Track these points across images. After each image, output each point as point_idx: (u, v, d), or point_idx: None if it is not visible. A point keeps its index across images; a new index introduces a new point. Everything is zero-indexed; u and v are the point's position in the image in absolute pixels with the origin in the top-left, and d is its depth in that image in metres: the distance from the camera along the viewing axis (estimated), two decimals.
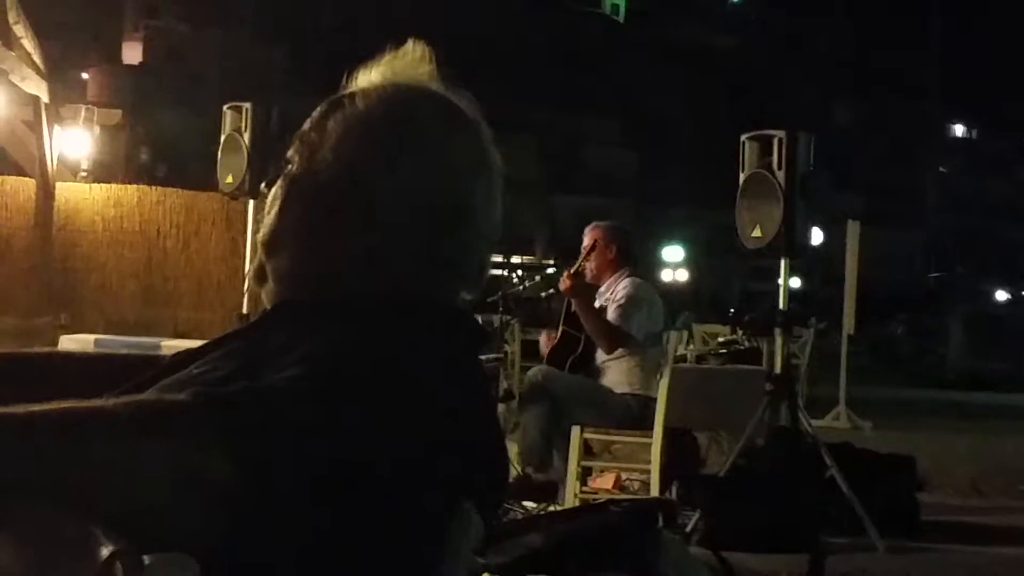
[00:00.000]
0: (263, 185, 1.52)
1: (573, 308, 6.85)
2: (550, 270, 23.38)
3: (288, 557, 1.20)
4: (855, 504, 6.03)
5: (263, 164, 7.29)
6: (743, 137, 6.46)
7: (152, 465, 1.13)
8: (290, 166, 1.47)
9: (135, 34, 41.38)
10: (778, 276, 6.58)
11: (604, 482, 7.01)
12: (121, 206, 14.36)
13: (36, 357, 1.95)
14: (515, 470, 6.34)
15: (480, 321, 1.59)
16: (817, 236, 10.65)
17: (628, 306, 6.68)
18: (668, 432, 6.37)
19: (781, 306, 6.52)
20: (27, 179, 14.24)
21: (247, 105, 7.60)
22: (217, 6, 39.31)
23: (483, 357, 2.06)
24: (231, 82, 26.60)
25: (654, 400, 6.47)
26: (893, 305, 29.96)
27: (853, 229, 13.43)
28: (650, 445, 6.40)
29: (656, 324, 6.88)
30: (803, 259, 6.55)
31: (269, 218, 1.48)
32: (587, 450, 6.70)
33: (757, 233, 6.31)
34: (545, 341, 7.16)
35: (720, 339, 9.57)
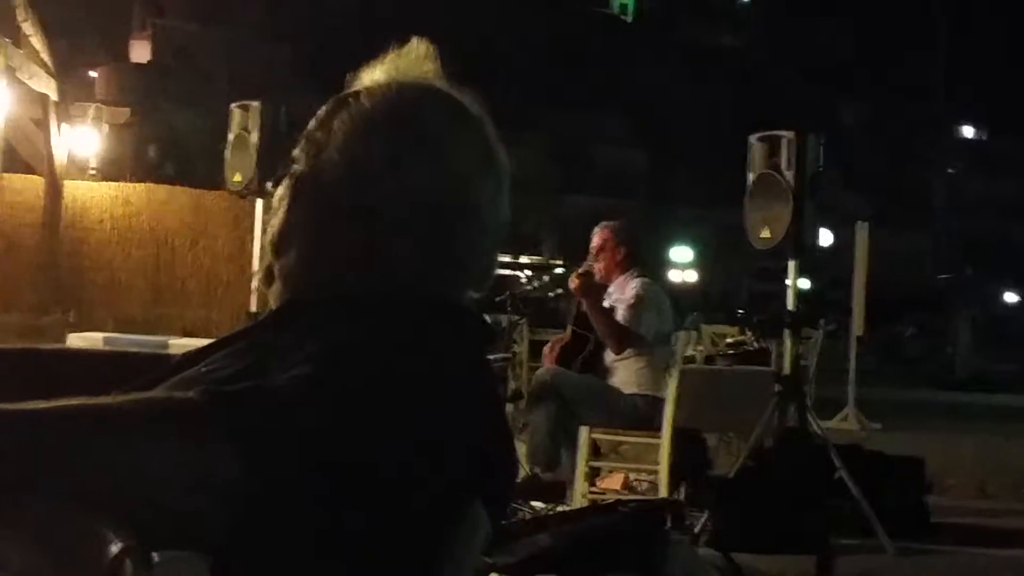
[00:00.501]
0: (270, 184, 1.51)
1: (582, 308, 6.85)
2: (558, 270, 23.35)
3: (295, 555, 1.19)
4: (864, 506, 6.02)
5: (271, 163, 7.29)
6: (752, 138, 6.45)
7: (160, 463, 1.13)
8: (296, 165, 1.47)
9: (143, 33, 41.40)
10: (787, 277, 6.58)
11: (612, 482, 7.00)
12: (129, 204, 14.38)
13: (45, 353, 1.95)
14: (523, 470, 6.33)
15: (488, 320, 1.58)
16: (826, 237, 10.64)
17: (637, 306, 6.68)
18: (676, 433, 6.36)
19: (790, 307, 6.51)
20: (36, 177, 14.27)
21: (255, 104, 7.61)
22: (226, 5, 39.34)
23: (491, 357, 2.06)
24: (239, 81, 26.61)
25: (662, 401, 6.46)
26: (901, 306, 29.89)
27: (862, 230, 13.43)
28: (658, 446, 6.40)
29: (665, 325, 6.87)
30: (811, 260, 6.54)
31: (276, 219, 1.47)
32: (595, 450, 6.71)
33: (766, 234, 6.31)
34: (548, 351, 7.14)
35: (729, 340, 9.57)
